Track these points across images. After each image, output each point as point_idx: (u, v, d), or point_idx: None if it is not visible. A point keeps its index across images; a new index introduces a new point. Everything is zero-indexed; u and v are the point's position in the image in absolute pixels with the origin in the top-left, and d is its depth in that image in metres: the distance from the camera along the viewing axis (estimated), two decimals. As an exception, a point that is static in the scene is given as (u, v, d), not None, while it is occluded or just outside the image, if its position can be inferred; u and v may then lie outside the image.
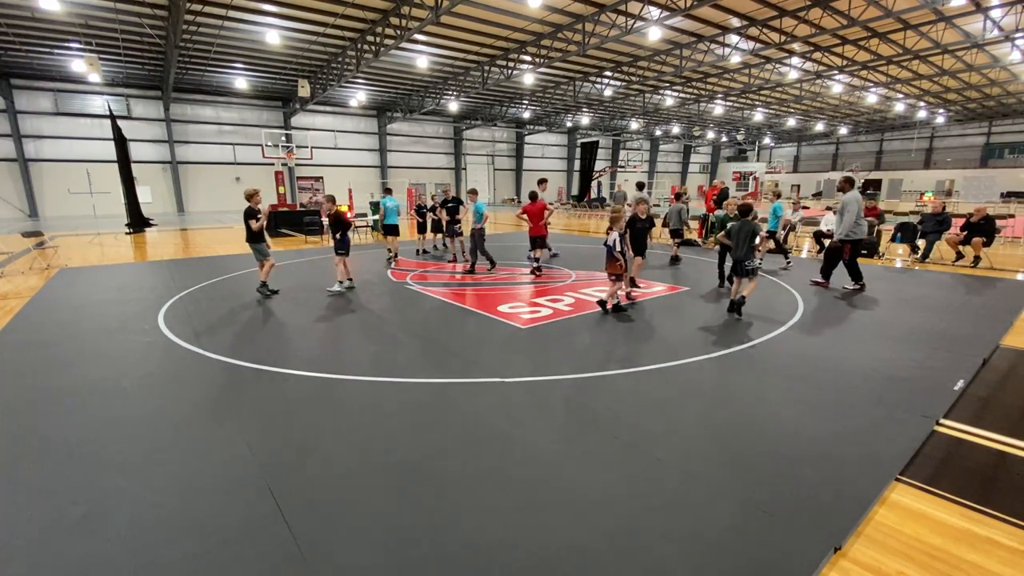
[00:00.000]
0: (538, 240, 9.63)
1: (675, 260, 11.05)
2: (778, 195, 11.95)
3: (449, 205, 11.58)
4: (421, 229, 13.17)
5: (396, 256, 11.31)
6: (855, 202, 7.84)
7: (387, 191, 12.14)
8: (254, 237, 7.59)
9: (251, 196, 7.54)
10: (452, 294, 8.10)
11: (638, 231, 7.91)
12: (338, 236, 8.09)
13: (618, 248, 6.51)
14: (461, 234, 11.24)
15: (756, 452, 3.33)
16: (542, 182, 10.55)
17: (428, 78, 26.15)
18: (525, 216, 9.68)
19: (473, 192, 10.55)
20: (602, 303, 6.84)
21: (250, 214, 7.53)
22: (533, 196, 9.80)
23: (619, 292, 6.92)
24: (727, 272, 7.95)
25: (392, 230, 11.29)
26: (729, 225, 6.98)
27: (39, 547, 2.48)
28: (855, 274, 8.22)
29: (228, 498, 2.87)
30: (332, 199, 8.38)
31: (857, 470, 3.11)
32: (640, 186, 12.86)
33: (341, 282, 8.22)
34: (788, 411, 3.93)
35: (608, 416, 3.85)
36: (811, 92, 29.11)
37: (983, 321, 6.39)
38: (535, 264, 9.63)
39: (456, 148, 39.66)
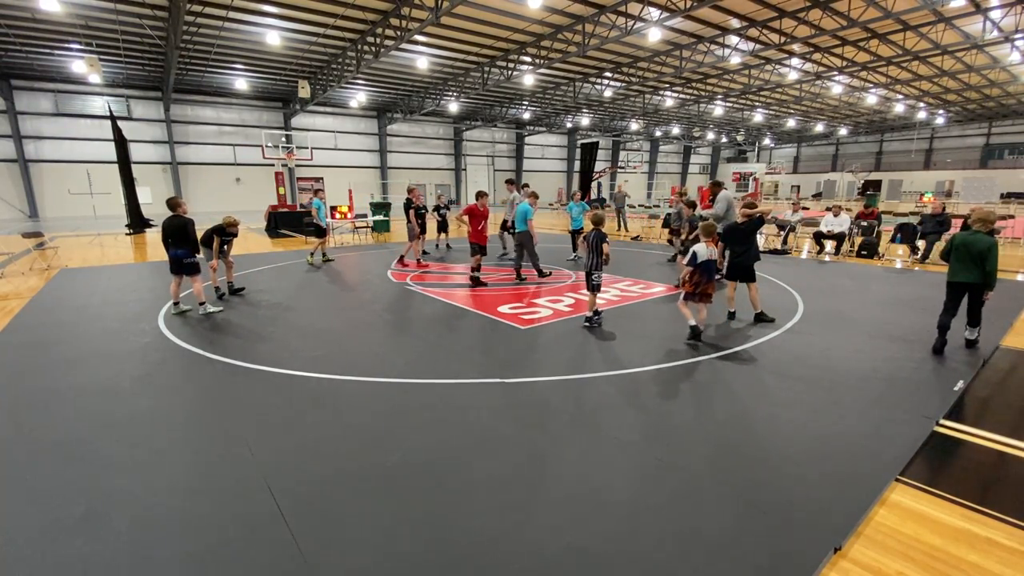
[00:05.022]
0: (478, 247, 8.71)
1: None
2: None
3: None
4: (422, 230, 13.19)
5: (322, 256, 11.35)
6: (724, 200, 8.71)
7: (316, 193, 11.89)
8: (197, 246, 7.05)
9: (231, 225, 7.53)
10: (452, 295, 8.10)
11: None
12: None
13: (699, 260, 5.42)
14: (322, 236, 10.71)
15: (756, 452, 3.33)
16: (481, 195, 8.90)
17: (428, 79, 26.16)
18: (466, 218, 8.78)
19: (525, 187, 9.45)
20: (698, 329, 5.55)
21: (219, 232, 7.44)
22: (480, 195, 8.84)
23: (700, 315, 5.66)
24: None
25: (319, 231, 11.23)
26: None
27: (39, 547, 2.48)
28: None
29: (228, 498, 2.87)
30: (174, 203, 6.74)
31: (857, 470, 3.11)
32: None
33: (203, 303, 6.90)
34: (788, 411, 3.93)
35: (608, 416, 3.85)
36: (811, 93, 29.12)
37: (983, 321, 6.37)
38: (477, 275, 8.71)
39: (456, 149, 39.66)
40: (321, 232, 11.19)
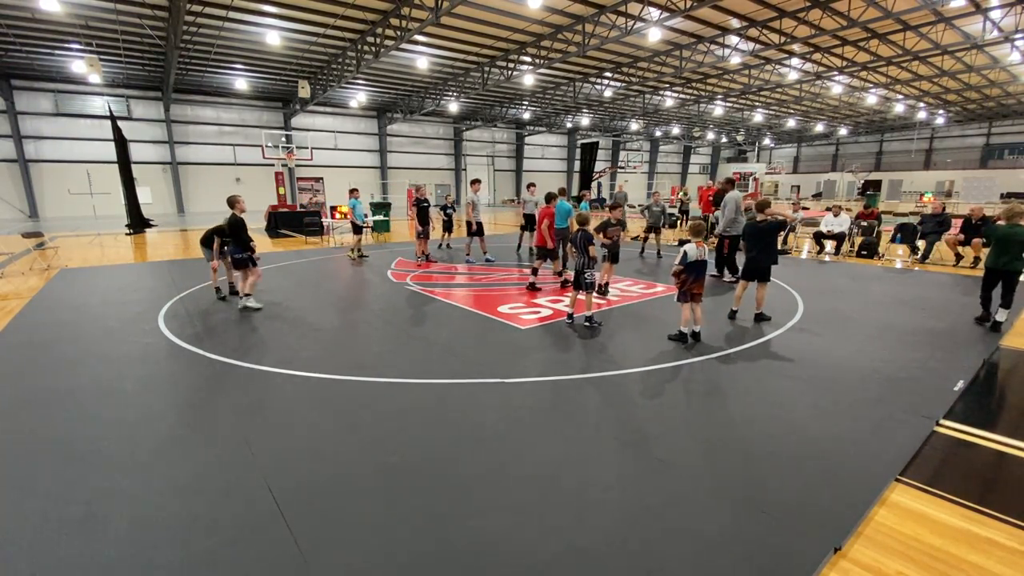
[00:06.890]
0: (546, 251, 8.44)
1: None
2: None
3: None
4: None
5: (352, 252, 12.11)
6: (733, 200, 8.49)
7: (352, 192, 12.18)
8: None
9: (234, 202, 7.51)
10: (452, 295, 8.10)
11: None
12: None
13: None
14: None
15: (756, 452, 3.33)
16: (553, 197, 8.76)
17: (428, 79, 26.14)
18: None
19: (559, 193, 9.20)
20: (686, 335, 5.63)
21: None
22: (550, 197, 8.73)
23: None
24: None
25: (356, 229, 12.12)
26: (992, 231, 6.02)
27: (39, 547, 2.48)
28: (732, 268, 8.72)
29: (228, 498, 2.87)
30: (231, 201, 7.09)
31: (857, 470, 3.11)
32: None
33: (240, 295, 7.21)
34: (788, 411, 3.93)
35: (608, 416, 3.85)
36: (811, 93, 29.11)
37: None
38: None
39: (456, 149, 39.65)
40: (357, 230, 12.00)
